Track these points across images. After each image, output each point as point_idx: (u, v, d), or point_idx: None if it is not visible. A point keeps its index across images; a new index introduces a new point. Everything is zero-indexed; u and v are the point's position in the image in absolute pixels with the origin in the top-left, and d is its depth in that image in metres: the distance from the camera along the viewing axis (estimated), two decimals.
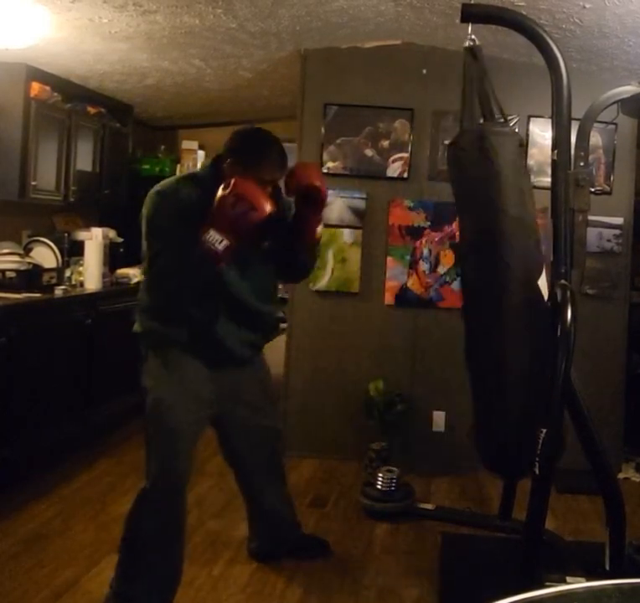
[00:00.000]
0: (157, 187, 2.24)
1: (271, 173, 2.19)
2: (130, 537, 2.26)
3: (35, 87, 4.00)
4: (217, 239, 2.03)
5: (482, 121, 2.57)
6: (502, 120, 2.59)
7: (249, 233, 2.08)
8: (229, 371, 2.39)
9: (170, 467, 2.24)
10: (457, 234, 3.08)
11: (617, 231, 3.88)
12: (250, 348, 2.44)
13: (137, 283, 4.56)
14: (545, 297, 2.47)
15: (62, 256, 4.27)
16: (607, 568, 2.34)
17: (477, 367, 2.58)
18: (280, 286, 2.76)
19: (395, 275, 3.92)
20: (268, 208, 2.05)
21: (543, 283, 2.47)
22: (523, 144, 2.57)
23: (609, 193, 3.87)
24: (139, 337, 2.32)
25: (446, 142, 3.35)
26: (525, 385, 2.42)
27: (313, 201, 2.28)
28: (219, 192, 2.04)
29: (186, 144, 5.60)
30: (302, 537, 2.83)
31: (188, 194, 2.19)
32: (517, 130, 3.78)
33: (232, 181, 2.04)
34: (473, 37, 2.54)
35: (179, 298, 2.23)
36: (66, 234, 4.52)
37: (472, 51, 2.56)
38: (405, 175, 3.91)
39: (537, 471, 2.21)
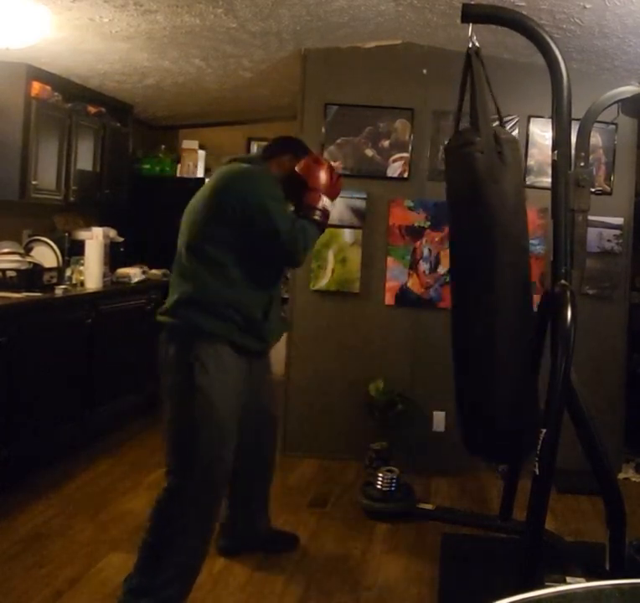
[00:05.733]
0: (246, 172, 2.38)
1: None
2: (161, 531, 2.24)
3: (36, 87, 4.00)
4: (329, 203, 2.46)
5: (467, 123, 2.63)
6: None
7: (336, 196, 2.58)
8: (257, 360, 2.52)
9: (220, 462, 2.30)
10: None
11: (617, 231, 3.88)
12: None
13: (139, 283, 4.57)
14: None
15: (62, 256, 4.26)
16: (607, 568, 2.34)
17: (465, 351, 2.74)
18: None
19: (395, 275, 3.93)
20: None
21: None
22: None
23: (609, 194, 3.87)
24: (180, 331, 2.29)
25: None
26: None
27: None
28: (312, 166, 2.44)
29: (186, 144, 5.59)
30: (273, 532, 2.86)
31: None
32: (516, 131, 3.81)
33: (320, 158, 2.57)
34: (474, 39, 2.54)
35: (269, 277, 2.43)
36: (67, 234, 4.52)
37: (477, 53, 2.57)
38: (406, 175, 3.92)
39: (537, 472, 2.21)
